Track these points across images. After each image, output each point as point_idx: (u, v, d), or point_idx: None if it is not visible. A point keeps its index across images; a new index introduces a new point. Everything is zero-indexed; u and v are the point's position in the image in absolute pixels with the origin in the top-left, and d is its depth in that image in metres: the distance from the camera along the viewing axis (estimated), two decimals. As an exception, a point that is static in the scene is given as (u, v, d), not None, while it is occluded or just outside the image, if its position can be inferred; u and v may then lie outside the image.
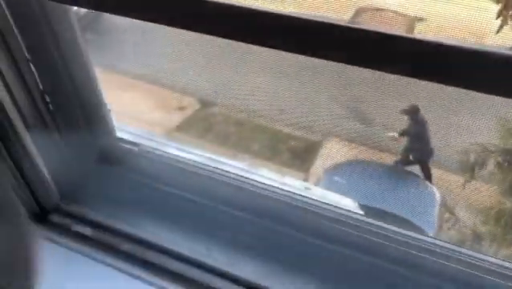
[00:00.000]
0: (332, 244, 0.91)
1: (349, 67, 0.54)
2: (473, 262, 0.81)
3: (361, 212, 1.02)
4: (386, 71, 0.47)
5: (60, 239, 0.93)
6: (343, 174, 2.67)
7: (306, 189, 1.06)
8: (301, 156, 3.33)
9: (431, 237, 0.89)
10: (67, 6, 0.81)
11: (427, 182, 2.53)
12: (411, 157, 2.67)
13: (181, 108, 4.22)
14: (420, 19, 2.03)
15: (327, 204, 0.93)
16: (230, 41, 0.61)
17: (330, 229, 0.92)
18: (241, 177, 0.97)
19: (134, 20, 0.62)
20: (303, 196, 0.95)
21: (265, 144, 3.63)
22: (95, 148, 0.97)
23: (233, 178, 0.97)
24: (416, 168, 2.62)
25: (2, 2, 0.78)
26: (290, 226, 0.94)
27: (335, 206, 0.92)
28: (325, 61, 0.55)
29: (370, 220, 0.90)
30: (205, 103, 4.19)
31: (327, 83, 2.65)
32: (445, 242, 0.84)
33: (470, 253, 0.82)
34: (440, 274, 0.85)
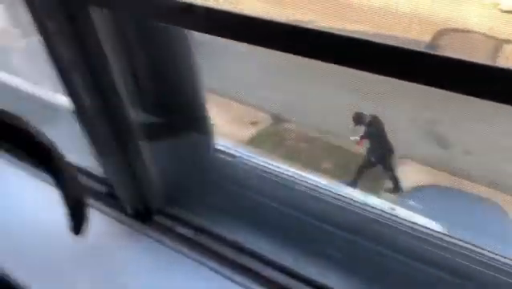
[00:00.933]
0: (419, 262, 0.93)
1: (429, 90, 0.58)
2: None
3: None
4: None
5: (163, 239, 1.03)
6: (419, 198, 2.62)
7: (391, 209, 1.08)
8: (373, 178, 3.30)
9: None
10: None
11: (507, 210, 2.43)
12: (372, 159, 2.72)
13: (254, 123, 4.32)
14: (510, 41, 1.97)
15: (415, 223, 0.95)
16: (308, 59, 0.66)
17: (417, 247, 0.94)
18: (330, 192, 1.02)
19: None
20: (390, 214, 0.98)
21: (336, 163, 3.61)
22: (198, 157, 1.06)
23: (321, 193, 1.03)
24: (494, 194, 2.52)
25: (130, 26, 0.89)
26: (376, 242, 0.97)
27: (424, 226, 0.95)
28: (404, 84, 0.60)
29: (459, 241, 0.91)
30: (277, 119, 4.26)
31: (405, 105, 2.63)
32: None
33: None
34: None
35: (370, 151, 2.91)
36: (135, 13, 0.80)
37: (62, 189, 0.87)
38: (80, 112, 0.95)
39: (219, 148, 1.09)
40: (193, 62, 0.92)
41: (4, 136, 1.06)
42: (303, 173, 1.10)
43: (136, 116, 0.93)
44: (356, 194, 1.12)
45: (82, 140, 1.05)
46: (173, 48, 0.89)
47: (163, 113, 0.99)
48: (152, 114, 0.97)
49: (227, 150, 1.09)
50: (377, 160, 2.97)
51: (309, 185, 1.03)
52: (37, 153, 1.00)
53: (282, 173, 1.06)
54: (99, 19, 0.79)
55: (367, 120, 2.74)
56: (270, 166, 1.07)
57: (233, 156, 1.08)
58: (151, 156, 0.99)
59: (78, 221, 0.84)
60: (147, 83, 0.93)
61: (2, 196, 1.22)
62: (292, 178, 1.04)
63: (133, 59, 0.89)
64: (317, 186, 1.04)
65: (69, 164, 0.94)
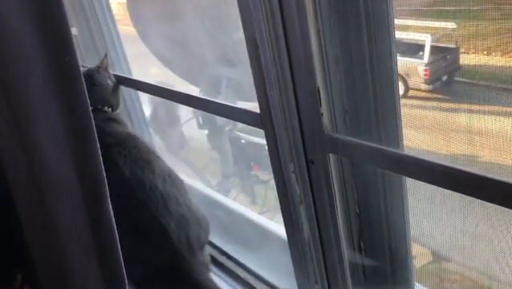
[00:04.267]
0: None
1: None
2: None
3: None
4: None
5: None
6: None
7: None
8: None
9: None
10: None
11: None
12: None
13: (412, 258, 4.07)
14: None
15: None
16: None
17: None
18: None
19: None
20: None
21: (510, 318, 3.15)
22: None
23: None
24: None
25: (354, 168, 0.99)
26: None
27: None
28: None
29: None
30: (438, 257, 3.96)
31: None
32: None
33: None
34: None
35: None
36: (361, 160, 0.92)
37: None
38: (295, 240, 1.05)
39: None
40: (406, 209, 0.98)
41: None
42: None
43: (348, 253, 1.00)
44: None
45: (285, 264, 1.16)
46: (390, 194, 0.97)
47: (373, 255, 1.04)
48: (360, 254, 1.04)
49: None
50: None
51: None
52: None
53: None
54: (333, 163, 0.92)
55: None
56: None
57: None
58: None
59: None
60: (363, 223, 1.01)
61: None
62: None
63: (354, 198, 0.99)
64: None
65: None
